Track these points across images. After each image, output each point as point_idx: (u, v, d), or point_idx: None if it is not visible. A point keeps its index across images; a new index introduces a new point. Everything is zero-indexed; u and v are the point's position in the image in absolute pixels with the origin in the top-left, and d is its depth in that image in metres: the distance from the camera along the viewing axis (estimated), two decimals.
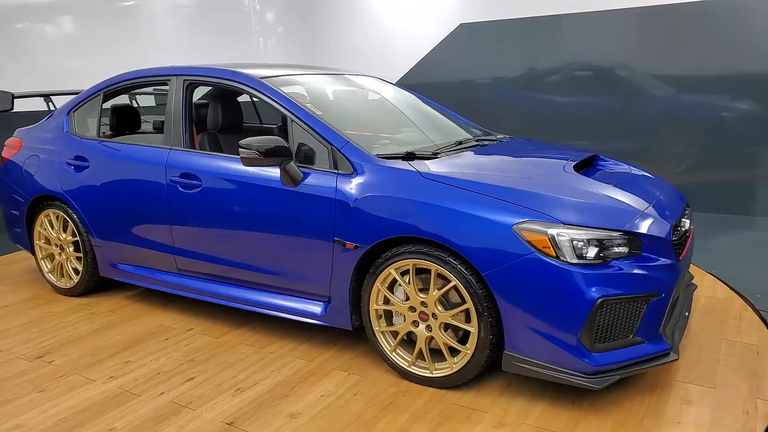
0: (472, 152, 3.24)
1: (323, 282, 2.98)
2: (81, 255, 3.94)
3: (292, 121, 3.07)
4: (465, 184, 2.62)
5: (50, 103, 4.49)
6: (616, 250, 2.43)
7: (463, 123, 3.98)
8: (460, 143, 3.35)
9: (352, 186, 2.81)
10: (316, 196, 2.90)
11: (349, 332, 3.09)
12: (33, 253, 4.25)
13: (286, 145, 2.89)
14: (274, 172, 3.02)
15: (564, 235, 2.38)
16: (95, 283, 4.03)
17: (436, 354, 2.75)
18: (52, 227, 4.05)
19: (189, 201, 3.33)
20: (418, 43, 7.09)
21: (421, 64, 7.03)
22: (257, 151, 2.85)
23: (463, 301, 2.59)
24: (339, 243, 2.84)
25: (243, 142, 2.90)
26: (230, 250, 3.27)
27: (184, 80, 3.53)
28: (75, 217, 3.88)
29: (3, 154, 4.33)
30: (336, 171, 2.89)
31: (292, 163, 2.93)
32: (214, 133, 3.66)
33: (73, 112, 4.04)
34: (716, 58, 5.42)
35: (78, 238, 3.91)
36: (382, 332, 2.85)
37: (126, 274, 3.81)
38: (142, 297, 4.01)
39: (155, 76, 3.71)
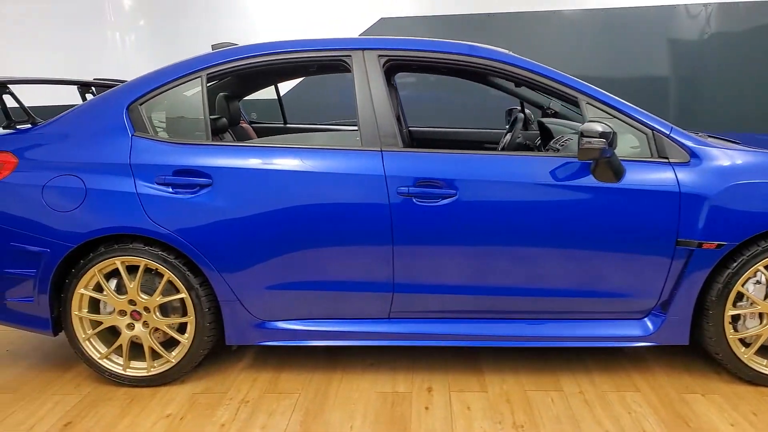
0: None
1: (650, 294, 2.51)
2: (183, 320, 2.62)
3: (589, 104, 2.49)
4: None
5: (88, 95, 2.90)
6: None
7: None
8: None
9: (701, 175, 2.41)
10: (649, 191, 2.41)
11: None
12: (58, 331, 2.69)
13: (613, 131, 2.33)
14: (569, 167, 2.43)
15: None
16: (200, 359, 2.74)
17: None
18: (118, 286, 2.61)
19: (432, 218, 2.46)
20: (335, 35, 6.46)
21: None
22: (605, 140, 2.26)
23: None
24: (687, 244, 2.41)
25: (585, 128, 2.27)
26: (503, 276, 2.51)
27: (380, 56, 2.59)
28: (180, 265, 2.56)
29: None
30: (666, 160, 2.44)
31: (614, 154, 2.38)
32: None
33: (140, 105, 2.64)
34: None
35: (182, 295, 2.59)
36: (734, 339, 2.52)
37: (285, 334, 2.64)
38: (274, 361, 2.86)
39: (317, 50, 2.63)
